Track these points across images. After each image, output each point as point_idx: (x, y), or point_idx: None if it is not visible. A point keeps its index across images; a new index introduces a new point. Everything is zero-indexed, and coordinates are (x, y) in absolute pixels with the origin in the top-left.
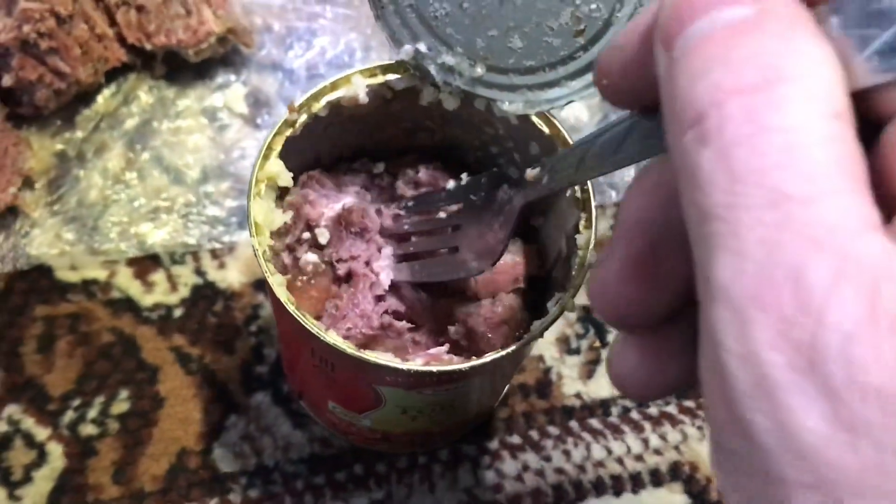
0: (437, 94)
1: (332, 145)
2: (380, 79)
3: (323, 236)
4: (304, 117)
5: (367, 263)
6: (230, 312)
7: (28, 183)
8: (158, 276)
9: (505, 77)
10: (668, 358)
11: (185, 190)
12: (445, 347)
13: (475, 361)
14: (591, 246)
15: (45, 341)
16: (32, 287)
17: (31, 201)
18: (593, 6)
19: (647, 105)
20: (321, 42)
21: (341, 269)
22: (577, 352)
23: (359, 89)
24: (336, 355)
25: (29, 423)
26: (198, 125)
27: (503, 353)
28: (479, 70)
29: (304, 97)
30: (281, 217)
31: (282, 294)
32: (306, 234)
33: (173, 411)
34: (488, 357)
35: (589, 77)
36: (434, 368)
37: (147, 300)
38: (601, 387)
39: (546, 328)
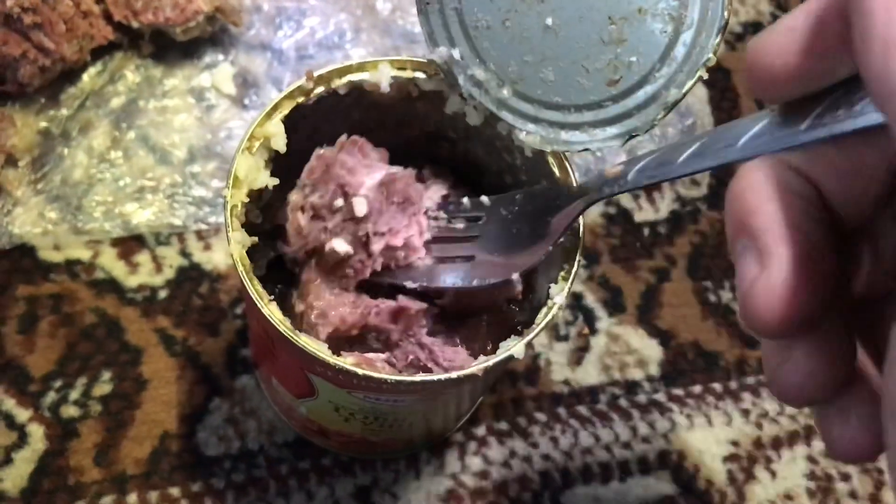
0: (463, 106)
1: (350, 131)
2: (408, 73)
3: (361, 205)
4: (320, 89)
5: (406, 245)
6: (215, 294)
7: (11, 161)
8: (143, 257)
9: (530, 106)
10: (834, 354)
11: (171, 170)
12: (385, 356)
13: (402, 377)
14: (563, 301)
15: (27, 321)
16: (15, 267)
17: (14, 179)
18: (633, 59)
19: (794, 96)
20: (311, 23)
21: (376, 245)
22: (565, 339)
23: (383, 77)
24: (273, 329)
25: (10, 404)
26: (185, 105)
27: (435, 378)
28: (506, 92)
29: (325, 70)
30: (267, 179)
31: (236, 250)
32: (339, 202)
33: (157, 394)
34: (417, 378)
35: (612, 130)
36: (359, 371)
37: (131, 281)
38: (589, 374)
39: (488, 371)
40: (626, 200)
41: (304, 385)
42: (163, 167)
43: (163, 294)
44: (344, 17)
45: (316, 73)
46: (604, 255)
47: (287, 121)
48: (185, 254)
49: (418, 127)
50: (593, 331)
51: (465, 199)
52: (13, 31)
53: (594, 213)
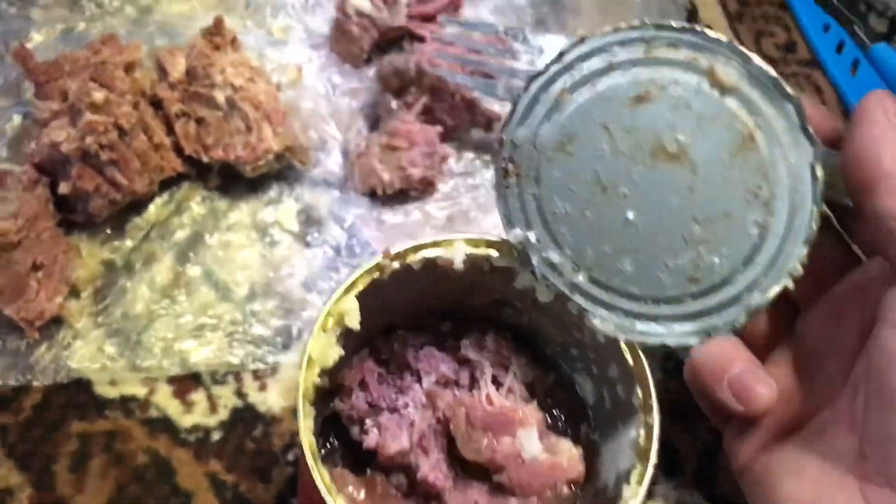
0: (533, 282)
1: (413, 298)
2: (481, 251)
3: None
4: (395, 265)
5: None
6: (269, 438)
7: (74, 292)
8: (199, 396)
9: (604, 293)
10: None
11: (232, 307)
12: None
13: None
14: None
15: (78, 459)
16: (70, 401)
17: (76, 311)
18: (716, 260)
19: None
20: None
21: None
22: None
23: (457, 255)
24: None
25: None
26: (248, 240)
27: None
28: (581, 277)
29: (401, 247)
30: (337, 354)
31: (306, 439)
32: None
33: None
34: None
35: (690, 326)
36: None
37: (186, 421)
38: None
39: None
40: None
41: None
42: (224, 304)
43: (216, 436)
44: None
45: (393, 251)
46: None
47: (360, 295)
48: (240, 394)
49: (485, 295)
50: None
51: None
52: (89, 166)
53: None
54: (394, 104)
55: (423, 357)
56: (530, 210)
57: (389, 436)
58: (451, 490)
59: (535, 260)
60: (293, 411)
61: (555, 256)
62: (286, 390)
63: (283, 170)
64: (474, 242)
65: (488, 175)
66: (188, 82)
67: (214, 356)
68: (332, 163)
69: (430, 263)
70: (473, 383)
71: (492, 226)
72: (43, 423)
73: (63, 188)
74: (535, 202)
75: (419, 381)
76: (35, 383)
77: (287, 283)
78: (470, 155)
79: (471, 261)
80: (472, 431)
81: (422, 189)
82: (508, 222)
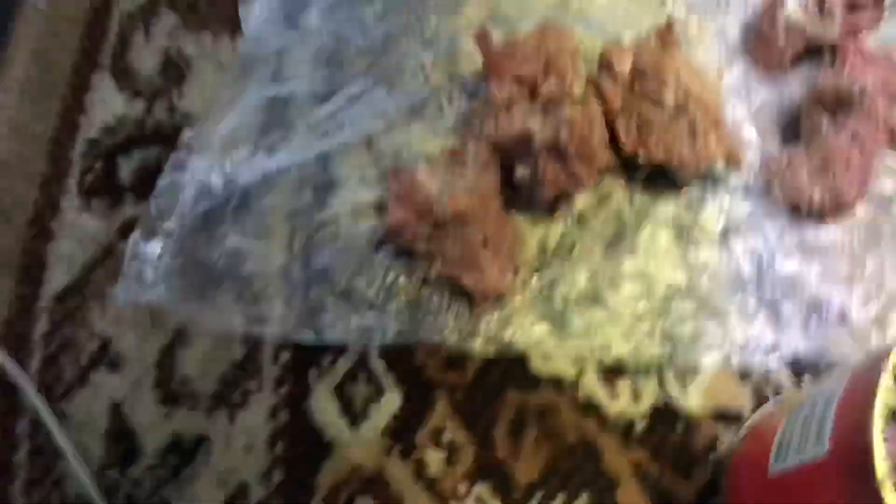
0: None
1: None
2: None
3: None
4: None
5: None
6: (690, 436)
7: (515, 270)
8: (623, 385)
9: None
10: None
11: (655, 303)
12: None
13: None
14: None
15: (516, 427)
16: (508, 372)
17: (516, 288)
18: None
19: None
20: None
21: None
22: None
23: None
24: None
25: None
26: (670, 239)
27: None
28: None
29: None
30: None
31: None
32: None
33: None
34: None
35: None
36: None
37: (613, 407)
38: None
39: None
40: None
41: None
42: (648, 300)
43: (640, 426)
44: None
45: None
46: None
47: None
48: (663, 389)
49: None
50: None
51: None
52: (553, 156)
53: None
54: (825, 122)
55: None
56: None
57: None
58: None
59: None
60: (713, 416)
61: None
62: (706, 393)
63: (706, 171)
64: None
65: None
66: (635, 79)
67: (640, 348)
68: (751, 171)
69: None
70: None
71: None
72: (484, 389)
73: (520, 172)
74: None
75: None
76: (478, 351)
77: (710, 286)
78: (887, 179)
79: None
80: None
81: (845, 211)
82: None
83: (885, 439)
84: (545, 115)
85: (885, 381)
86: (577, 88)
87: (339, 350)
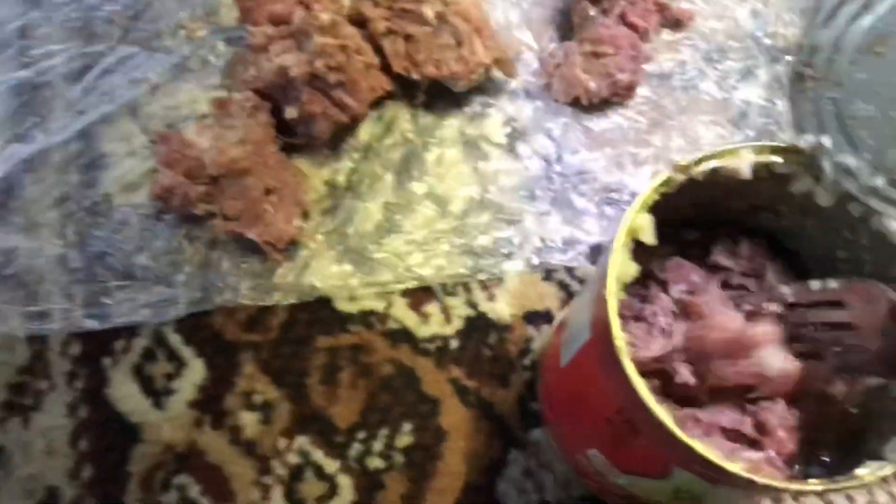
0: (813, 186)
1: (686, 207)
2: (765, 158)
3: None
4: (681, 177)
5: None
6: (503, 345)
7: (304, 213)
8: (432, 308)
9: None
10: None
11: (453, 221)
12: (762, 455)
13: (802, 486)
14: None
15: (328, 373)
16: (314, 318)
17: (309, 232)
18: None
19: None
20: None
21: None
22: None
23: (743, 164)
24: (660, 431)
25: (318, 455)
26: (459, 155)
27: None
28: (879, 181)
29: (688, 159)
30: (634, 269)
31: (627, 363)
32: None
33: (456, 445)
34: (837, 484)
35: None
36: (759, 480)
37: (424, 331)
38: None
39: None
40: None
41: (657, 470)
42: (445, 219)
43: (454, 344)
44: None
45: (681, 164)
46: None
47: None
48: (471, 304)
49: (749, 201)
50: None
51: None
52: (317, 89)
53: None
54: (591, 10)
55: (670, 268)
56: (825, 114)
57: (640, 343)
58: (706, 391)
59: (826, 166)
60: (524, 318)
61: (850, 161)
62: (513, 299)
63: (484, 83)
64: (759, 150)
65: (687, 77)
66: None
67: (443, 269)
68: (530, 73)
69: (712, 173)
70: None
71: (702, 127)
72: (291, 340)
73: (289, 112)
74: (832, 106)
75: (665, 290)
76: (281, 303)
77: (499, 195)
78: (665, 56)
79: (755, 169)
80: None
81: (624, 94)
82: (799, 127)
83: (622, 315)
84: (299, 50)
85: (613, 259)
86: (325, 17)
87: (132, 331)
